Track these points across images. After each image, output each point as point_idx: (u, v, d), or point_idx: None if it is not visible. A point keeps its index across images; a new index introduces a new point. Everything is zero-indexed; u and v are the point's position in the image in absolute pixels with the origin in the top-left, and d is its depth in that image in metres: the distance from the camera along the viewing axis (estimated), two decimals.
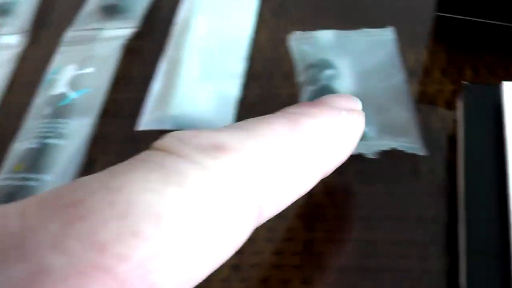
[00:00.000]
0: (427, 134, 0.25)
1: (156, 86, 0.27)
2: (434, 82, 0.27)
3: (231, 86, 0.26)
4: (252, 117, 0.27)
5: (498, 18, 0.27)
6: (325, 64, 0.23)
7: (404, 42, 0.28)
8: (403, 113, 0.22)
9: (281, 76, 0.28)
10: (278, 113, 0.18)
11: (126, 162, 0.14)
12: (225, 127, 0.17)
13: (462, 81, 0.24)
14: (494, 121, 0.22)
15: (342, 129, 0.18)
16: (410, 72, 0.27)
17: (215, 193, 0.14)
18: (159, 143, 0.15)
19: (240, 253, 0.23)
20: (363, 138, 0.21)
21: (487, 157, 0.21)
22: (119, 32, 0.30)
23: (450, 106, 0.26)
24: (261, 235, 0.23)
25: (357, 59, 0.24)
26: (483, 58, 0.27)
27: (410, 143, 0.22)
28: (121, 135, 0.27)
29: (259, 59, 0.29)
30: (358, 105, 0.20)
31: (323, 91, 0.22)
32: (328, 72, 0.23)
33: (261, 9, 0.31)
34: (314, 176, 0.17)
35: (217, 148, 0.15)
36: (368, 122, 0.22)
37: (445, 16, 0.28)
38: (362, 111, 0.20)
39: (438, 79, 0.27)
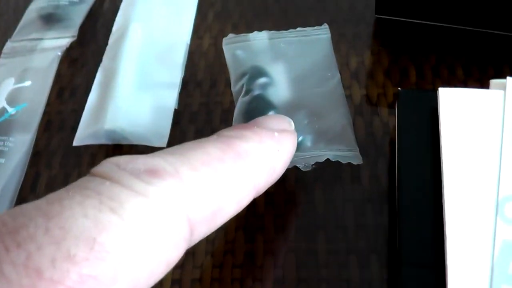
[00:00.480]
0: (369, 139, 0.25)
1: (92, 98, 0.26)
2: (377, 85, 0.26)
3: (168, 97, 0.26)
4: (195, 126, 0.27)
5: (442, 20, 0.27)
6: (258, 72, 0.22)
7: (347, 45, 0.28)
8: (340, 120, 0.22)
9: (224, 82, 0.27)
10: (213, 137, 0.18)
11: (63, 189, 0.15)
12: (160, 152, 0.17)
13: (399, 88, 0.23)
14: (429, 127, 0.22)
15: (275, 150, 0.19)
16: (353, 75, 0.27)
17: (148, 217, 0.15)
18: (96, 169, 0.16)
19: (181, 267, 0.23)
20: (299, 148, 0.21)
21: (421, 164, 0.21)
22: (58, 42, 0.29)
23: (394, 109, 0.25)
24: (202, 248, 0.23)
25: (292, 63, 0.23)
26: (428, 60, 0.27)
27: (345, 151, 0.21)
28: (65, 148, 0.26)
29: (202, 65, 0.29)
30: (290, 125, 0.21)
31: (257, 102, 0.22)
32: (261, 80, 0.22)
33: (204, 13, 0.31)
34: (247, 197, 0.18)
35: (152, 173, 0.15)
36: (303, 131, 0.22)
37: (388, 18, 0.28)
38: (294, 131, 0.20)
39: (381, 82, 0.26)
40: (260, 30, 0.25)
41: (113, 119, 0.24)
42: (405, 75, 0.27)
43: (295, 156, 0.20)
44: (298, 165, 0.21)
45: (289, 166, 0.20)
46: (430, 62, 0.27)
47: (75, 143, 0.25)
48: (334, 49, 0.24)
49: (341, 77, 0.24)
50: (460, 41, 0.27)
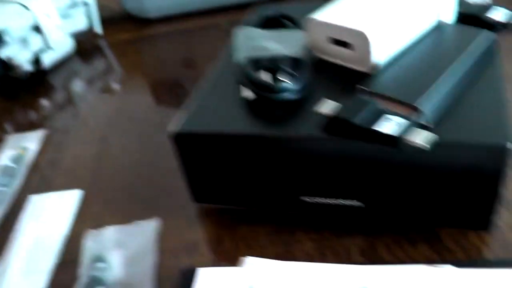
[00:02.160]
0: None
1: None
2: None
3: (39, 280, 0.33)
4: None
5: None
6: (97, 259, 0.31)
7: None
8: None
9: None
10: None
11: None
12: None
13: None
14: None
15: None
16: None
17: None
18: None
19: None
20: None
21: None
22: None
23: None
24: None
25: (127, 249, 0.32)
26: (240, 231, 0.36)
27: None
28: None
29: (74, 248, 0.36)
30: None
31: (92, 283, 0.30)
32: (99, 265, 0.31)
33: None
34: None
35: None
36: None
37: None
38: None
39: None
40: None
41: None
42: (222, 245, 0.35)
43: None
44: None
45: None
46: (242, 234, 0.36)
47: None
48: None
49: None
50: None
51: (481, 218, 0.32)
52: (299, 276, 0.30)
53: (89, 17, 0.66)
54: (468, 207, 0.31)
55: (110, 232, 0.33)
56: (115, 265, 0.31)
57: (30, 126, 0.53)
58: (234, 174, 0.34)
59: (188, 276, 0.30)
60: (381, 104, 0.31)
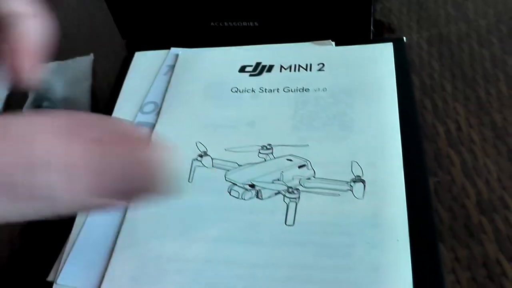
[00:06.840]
0: None
1: None
2: None
3: None
4: None
5: None
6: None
7: None
8: None
9: None
10: None
11: None
12: None
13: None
14: None
15: None
16: None
17: None
18: None
19: None
20: None
21: None
22: None
23: None
24: None
25: (67, 75, 0.38)
26: None
27: None
28: None
29: None
30: None
31: (38, 100, 0.36)
32: (44, 86, 0.36)
33: None
34: None
35: None
36: None
37: None
38: None
39: None
40: None
41: None
42: None
43: None
44: None
45: None
46: None
47: None
48: None
49: None
50: None
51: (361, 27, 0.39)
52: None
53: None
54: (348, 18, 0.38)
55: (51, 65, 0.39)
56: (57, 87, 0.37)
57: None
58: (152, 7, 0.41)
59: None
60: None
